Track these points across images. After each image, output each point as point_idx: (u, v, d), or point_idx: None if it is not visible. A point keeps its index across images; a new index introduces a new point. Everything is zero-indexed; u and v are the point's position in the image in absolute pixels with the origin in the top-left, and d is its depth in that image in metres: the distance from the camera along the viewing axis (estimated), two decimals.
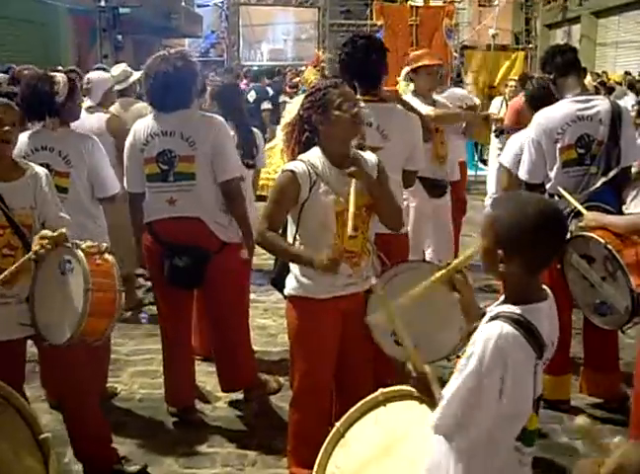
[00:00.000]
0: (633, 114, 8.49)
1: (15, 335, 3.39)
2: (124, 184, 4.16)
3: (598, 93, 8.12)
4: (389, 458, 2.44)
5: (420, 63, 5.40)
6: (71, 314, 3.25)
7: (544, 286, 2.14)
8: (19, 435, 2.90)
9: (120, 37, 19.10)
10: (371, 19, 9.03)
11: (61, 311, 3.32)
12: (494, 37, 12.28)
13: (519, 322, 1.95)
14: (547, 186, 4.11)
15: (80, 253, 3.27)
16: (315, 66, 8.34)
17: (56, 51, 15.93)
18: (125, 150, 4.08)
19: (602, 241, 3.58)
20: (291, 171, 3.17)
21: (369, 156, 3.37)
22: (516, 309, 1.99)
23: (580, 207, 3.82)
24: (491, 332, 1.94)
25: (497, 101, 10.13)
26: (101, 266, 3.38)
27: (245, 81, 15.53)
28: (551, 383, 4.30)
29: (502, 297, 2.10)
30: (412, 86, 5.76)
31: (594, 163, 3.99)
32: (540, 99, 4.31)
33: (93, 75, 5.85)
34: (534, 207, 2.01)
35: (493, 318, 2.00)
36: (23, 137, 3.94)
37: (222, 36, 30.11)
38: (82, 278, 3.22)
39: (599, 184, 3.93)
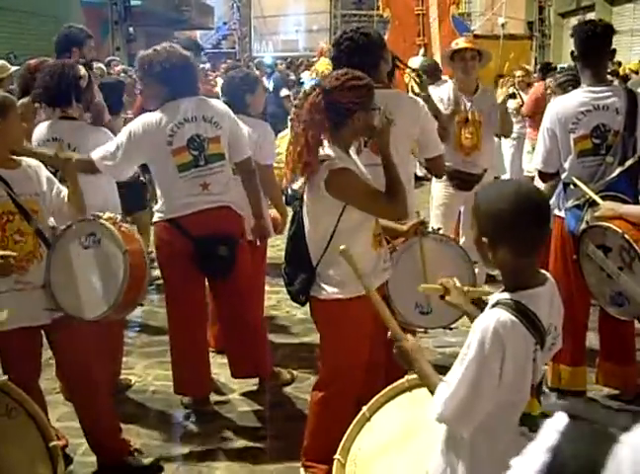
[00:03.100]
0: None
1: (34, 322, 3.40)
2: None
3: (613, 81, 8.04)
4: (410, 443, 2.49)
5: (455, 47, 5.30)
6: (107, 283, 3.38)
7: (543, 271, 2.13)
8: (31, 442, 2.89)
9: (131, 29, 19.09)
10: (380, 9, 8.97)
11: (93, 285, 3.42)
12: (503, 25, 12.22)
13: (516, 308, 1.95)
14: (562, 175, 4.08)
15: (106, 222, 3.43)
16: (323, 56, 8.30)
17: None
18: (141, 143, 3.95)
19: (620, 231, 3.55)
20: (348, 169, 3.11)
21: None
22: (513, 296, 1.99)
23: (595, 197, 3.79)
24: (489, 319, 1.94)
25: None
26: (125, 232, 3.53)
27: (259, 73, 15.50)
28: (567, 374, 4.29)
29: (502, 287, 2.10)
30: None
31: (609, 153, 3.93)
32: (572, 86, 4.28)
33: None
34: (510, 192, 2.03)
35: (493, 306, 2.01)
36: (42, 127, 4.08)
37: (234, 27, 30.10)
38: (114, 246, 3.39)
39: (615, 174, 3.87)
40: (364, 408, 2.64)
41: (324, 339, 3.43)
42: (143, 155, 4.03)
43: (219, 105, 4.15)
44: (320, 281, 3.26)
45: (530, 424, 2.02)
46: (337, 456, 2.54)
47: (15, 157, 3.45)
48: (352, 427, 2.62)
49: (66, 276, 3.43)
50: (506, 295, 2.01)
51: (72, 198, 3.51)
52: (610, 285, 3.74)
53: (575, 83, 4.68)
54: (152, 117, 3.98)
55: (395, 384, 2.69)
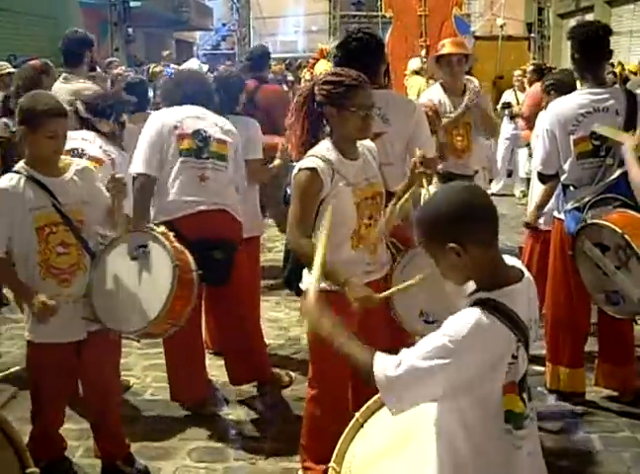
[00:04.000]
0: None
1: (74, 337, 3.37)
2: (139, 168, 4.05)
3: (615, 82, 8.06)
4: (406, 449, 2.44)
5: (441, 52, 5.27)
6: (151, 296, 3.34)
7: (518, 266, 2.10)
8: (6, 467, 2.60)
9: (130, 30, 19.08)
10: (382, 10, 8.95)
11: (136, 297, 3.38)
12: (502, 27, 12.21)
13: (494, 307, 1.93)
14: (562, 177, 4.07)
15: (159, 235, 3.42)
16: (324, 58, 8.29)
17: None
18: (150, 134, 4.04)
19: (619, 230, 3.55)
20: (312, 169, 3.10)
21: (367, 143, 3.38)
22: (490, 295, 1.96)
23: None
24: (467, 318, 1.91)
25: (507, 93, 10.08)
26: (175, 247, 3.47)
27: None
28: (566, 376, 4.30)
29: (472, 289, 2.06)
30: (417, 78, 5.72)
31: (609, 155, 3.93)
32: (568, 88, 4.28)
33: None
34: (448, 192, 2.06)
35: (471, 305, 1.97)
36: None
37: (233, 28, 30.07)
38: (165, 258, 3.36)
39: (614, 175, 3.87)
40: (357, 414, 2.61)
41: (308, 332, 3.42)
42: (157, 141, 4.03)
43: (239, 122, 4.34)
44: (305, 273, 3.29)
45: (515, 421, 2.00)
46: (331, 464, 2.49)
47: (62, 161, 3.38)
48: (345, 433, 2.57)
49: (110, 287, 3.38)
50: (483, 294, 1.98)
51: (114, 213, 3.47)
52: (606, 283, 3.76)
53: (557, 88, 4.69)
54: (169, 113, 4.15)
55: None
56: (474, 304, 1.96)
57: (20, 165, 3.31)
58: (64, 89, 5.16)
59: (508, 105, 6.47)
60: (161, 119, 4.10)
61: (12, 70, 6.99)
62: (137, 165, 4.02)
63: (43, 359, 3.37)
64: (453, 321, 1.94)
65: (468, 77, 5.43)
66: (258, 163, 4.56)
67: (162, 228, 3.51)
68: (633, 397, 4.26)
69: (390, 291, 3.14)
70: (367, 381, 2.02)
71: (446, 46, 5.27)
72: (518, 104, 9.43)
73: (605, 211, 3.82)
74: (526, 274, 2.09)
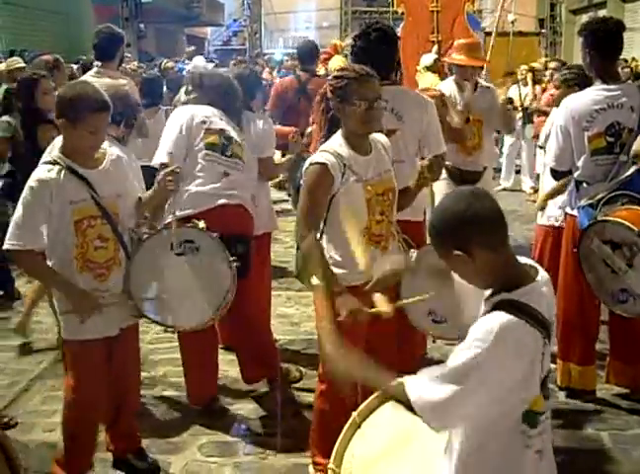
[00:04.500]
0: None
1: (111, 332, 3.33)
2: (164, 158, 4.01)
3: (629, 78, 8.01)
4: (408, 449, 2.41)
5: (457, 61, 5.31)
6: (205, 293, 3.44)
7: (533, 264, 2.09)
8: None
9: (142, 25, 19.13)
10: (393, 5, 8.91)
11: (187, 292, 3.43)
12: (513, 22, 12.14)
13: (517, 307, 1.92)
14: (575, 174, 4.05)
15: (205, 230, 3.53)
16: (338, 53, 8.28)
17: (80, 41, 15.97)
18: (179, 126, 4.07)
19: (636, 229, 3.52)
20: (323, 163, 3.09)
21: (381, 138, 3.37)
22: (511, 296, 1.95)
23: None
24: (492, 323, 1.89)
25: (512, 89, 10.04)
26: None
27: (268, 70, 15.51)
28: (577, 373, 4.28)
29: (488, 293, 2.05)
30: (429, 75, 5.70)
31: (623, 151, 3.90)
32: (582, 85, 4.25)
33: None
34: (455, 199, 2.04)
35: (492, 309, 1.95)
36: None
37: (244, 24, 30.07)
38: (220, 254, 3.48)
39: (629, 172, 3.84)
40: (355, 413, 2.59)
41: (319, 329, 3.43)
42: (185, 134, 4.07)
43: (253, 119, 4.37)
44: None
45: (532, 420, 2.00)
46: (330, 466, 2.47)
47: (100, 151, 3.29)
48: (343, 433, 2.55)
49: (152, 283, 3.40)
50: (504, 296, 1.97)
51: (148, 205, 3.50)
52: (615, 282, 3.73)
53: (580, 82, 4.64)
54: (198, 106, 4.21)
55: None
56: (496, 307, 1.94)
57: (56, 155, 3.19)
58: (96, 83, 5.20)
59: (510, 100, 6.48)
60: (190, 113, 4.14)
61: (23, 65, 7.03)
62: (162, 155, 4.00)
63: (83, 357, 3.30)
64: (480, 330, 1.91)
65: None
66: (270, 161, 4.59)
67: (202, 223, 3.55)
68: None
69: (398, 304, 3.15)
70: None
71: (463, 55, 5.27)
72: (520, 99, 9.39)
73: (613, 209, 3.80)
74: (541, 271, 2.08)
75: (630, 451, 3.77)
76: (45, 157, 3.30)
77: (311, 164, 3.14)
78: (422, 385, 1.99)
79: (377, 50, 3.80)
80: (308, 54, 6.96)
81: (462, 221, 1.97)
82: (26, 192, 3.14)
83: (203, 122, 4.09)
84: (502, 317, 1.90)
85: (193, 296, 3.45)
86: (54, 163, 3.16)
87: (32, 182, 3.14)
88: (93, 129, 3.12)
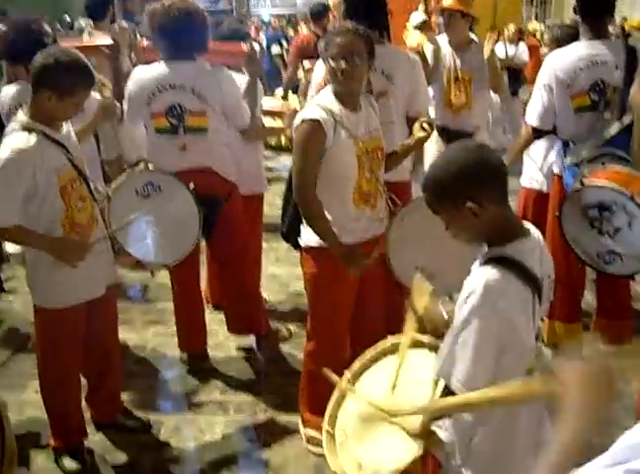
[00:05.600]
0: None
1: (97, 293, 3.34)
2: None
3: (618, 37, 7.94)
4: (403, 406, 2.43)
5: (442, 6, 5.17)
6: (184, 226, 3.67)
7: (526, 223, 2.11)
8: None
9: None
10: None
11: (168, 230, 3.69)
12: None
13: (507, 262, 1.94)
14: (560, 133, 4.05)
15: (160, 170, 3.72)
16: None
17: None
18: (127, 98, 3.98)
19: (628, 193, 3.49)
20: (316, 120, 3.07)
21: (370, 98, 3.38)
22: (501, 251, 1.97)
23: None
24: (481, 279, 1.92)
25: (498, 47, 9.95)
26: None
27: (254, 29, 15.33)
28: (562, 331, 4.33)
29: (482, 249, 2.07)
30: (417, 34, 5.66)
31: (608, 109, 3.90)
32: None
33: None
34: (460, 150, 2.06)
35: (483, 264, 1.98)
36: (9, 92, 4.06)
37: None
38: (178, 188, 3.66)
39: (613, 130, 3.83)
40: (347, 372, 2.61)
41: (307, 287, 3.46)
42: (136, 108, 3.97)
43: (217, 76, 3.93)
44: (304, 229, 3.32)
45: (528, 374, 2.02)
46: (325, 426, 2.49)
47: None
48: (336, 393, 2.58)
49: (132, 228, 3.54)
50: (496, 251, 1.99)
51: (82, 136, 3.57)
52: (601, 244, 3.70)
53: (572, 40, 4.60)
54: (142, 73, 3.95)
55: (377, 346, 2.62)
56: (488, 262, 1.96)
57: (26, 121, 3.05)
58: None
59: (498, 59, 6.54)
60: (138, 86, 3.92)
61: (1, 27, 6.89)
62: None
63: (62, 324, 3.26)
64: (472, 286, 1.94)
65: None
66: (250, 130, 4.23)
67: (142, 164, 3.80)
68: None
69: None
70: None
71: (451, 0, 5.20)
72: (507, 58, 9.34)
73: (596, 169, 3.75)
74: (535, 230, 2.09)
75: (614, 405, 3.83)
76: (13, 125, 3.11)
77: (303, 120, 3.11)
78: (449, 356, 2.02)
79: (366, 10, 3.76)
80: (319, 14, 7.74)
81: (474, 172, 1.97)
82: (1, 163, 2.96)
83: (148, 104, 3.87)
84: (489, 272, 1.92)
85: (172, 230, 3.67)
86: (30, 130, 3.03)
87: (8, 152, 2.97)
88: (79, 102, 3.12)
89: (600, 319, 4.38)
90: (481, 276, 1.94)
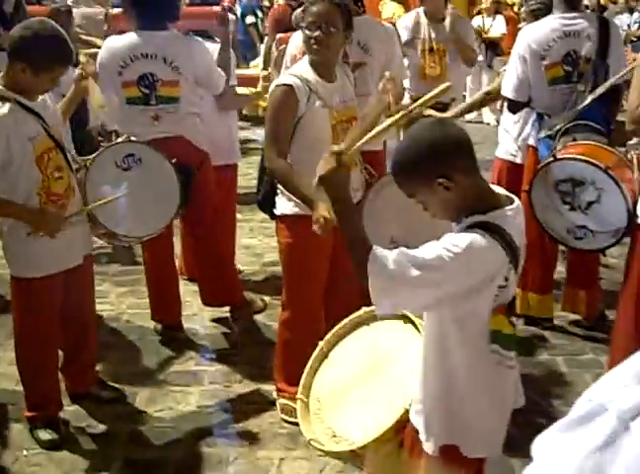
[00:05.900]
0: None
1: (75, 262, 3.32)
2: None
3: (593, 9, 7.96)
4: (377, 376, 2.44)
5: None
6: (164, 196, 3.64)
7: (508, 193, 2.11)
8: None
9: None
10: None
11: (148, 201, 3.61)
12: None
13: (492, 229, 1.94)
14: (534, 105, 4.06)
15: (140, 142, 3.66)
16: None
17: None
18: (99, 67, 3.89)
19: (602, 165, 3.48)
20: (289, 85, 3.07)
21: (346, 68, 3.38)
22: (486, 217, 1.97)
23: None
24: (466, 236, 1.91)
25: (476, 20, 9.93)
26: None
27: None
28: (535, 301, 4.38)
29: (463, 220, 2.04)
30: (393, 4, 5.63)
31: (581, 80, 3.92)
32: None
33: None
34: (418, 130, 2.05)
35: (467, 228, 1.97)
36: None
37: None
38: (158, 158, 3.62)
39: (586, 101, 3.84)
40: (321, 343, 2.61)
41: (282, 257, 3.47)
42: (107, 78, 3.90)
43: (190, 45, 3.92)
44: (279, 199, 3.32)
45: (503, 342, 2.04)
46: (299, 395, 2.50)
47: None
48: (310, 363, 2.57)
49: (110, 201, 3.45)
50: (478, 217, 1.98)
51: (67, 112, 3.54)
52: (573, 219, 3.67)
53: (547, 12, 4.60)
54: (114, 42, 3.91)
55: (352, 317, 2.63)
56: (470, 227, 1.96)
57: (0, 89, 3.02)
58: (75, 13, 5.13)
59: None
60: (109, 54, 3.87)
61: None
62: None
63: (39, 294, 3.25)
64: (453, 237, 1.94)
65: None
66: (225, 98, 4.26)
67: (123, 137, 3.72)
68: (595, 320, 4.37)
69: None
70: (358, 273, 1.99)
71: None
72: (484, 32, 9.34)
73: (567, 143, 3.74)
74: (516, 200, 2.10)
75: (583, 374, 3.90)
76: None
77: (277, 86, 3.13)
78: (384, 257, 1.97)
79: None
80: None
81: (441, 148, 1.97)
82: None
83: (120, 73, 3.83)
84: (473, 234, 1.92)
85: (152, 202, 3.63)
86: (2, 99, 3.00)
87: None
88: (55, 78, 3.08)
89: (570, 288, 4.44)
90: (467, 234, 1.92)
